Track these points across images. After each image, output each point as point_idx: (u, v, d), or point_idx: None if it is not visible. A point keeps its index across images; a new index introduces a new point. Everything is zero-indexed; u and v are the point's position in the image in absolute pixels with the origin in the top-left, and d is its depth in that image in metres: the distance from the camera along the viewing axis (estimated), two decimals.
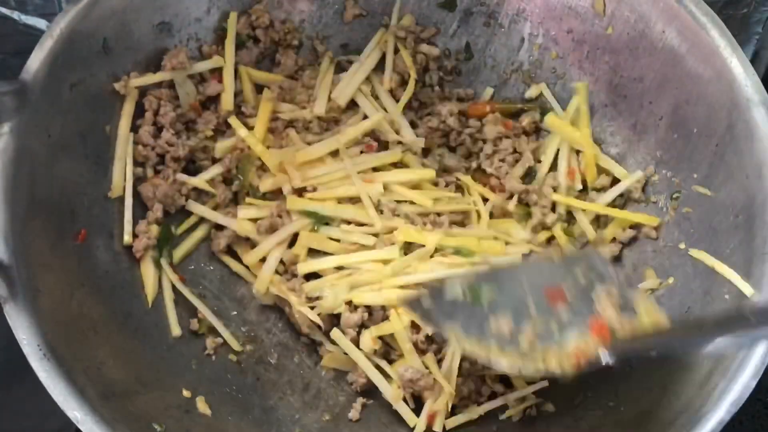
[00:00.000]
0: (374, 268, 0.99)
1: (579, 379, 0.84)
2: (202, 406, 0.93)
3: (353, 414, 0.99)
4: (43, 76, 0.89)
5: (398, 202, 1.04)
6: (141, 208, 1.02)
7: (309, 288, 1.00)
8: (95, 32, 0.95)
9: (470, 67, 1.17)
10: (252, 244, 1.05)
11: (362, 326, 0.99)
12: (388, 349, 1.00)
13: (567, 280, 0.84)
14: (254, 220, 1.04)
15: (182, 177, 1.04)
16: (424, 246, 0.99)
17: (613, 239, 1.05)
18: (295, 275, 1.02)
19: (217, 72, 1.08)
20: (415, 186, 1.06)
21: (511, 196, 1.08)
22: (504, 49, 1.15)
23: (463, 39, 1.16)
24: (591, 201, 1.07)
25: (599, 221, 1.08)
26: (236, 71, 1.09)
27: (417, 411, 0.98)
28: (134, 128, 1.02)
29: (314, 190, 1.04)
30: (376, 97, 1.12)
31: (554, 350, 0.79)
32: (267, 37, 1.12)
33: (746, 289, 0.86)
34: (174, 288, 1.01)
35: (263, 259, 1.04)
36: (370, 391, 1.00)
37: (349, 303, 0.99)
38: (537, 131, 1.15)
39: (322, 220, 1.03)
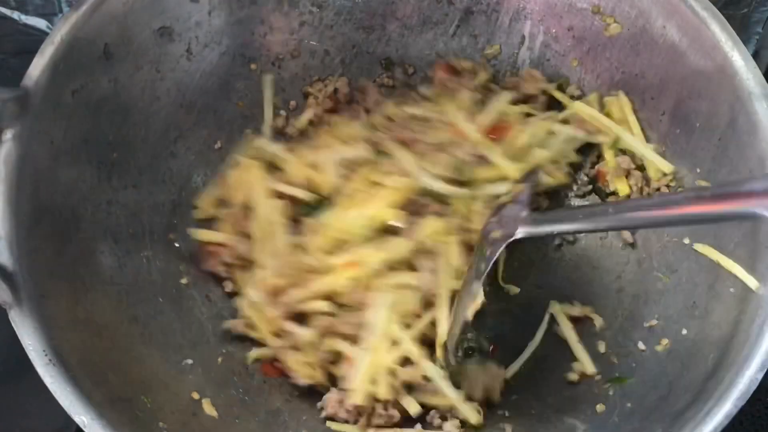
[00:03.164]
0: None
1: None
2: (208, 408, 0.93)
3: None
4: (45, 82, 0.89)
5: None
6: None
7: None
8: (96, 38, 0.95)
9: None
10: None
11: None
12: None
13: None
14: None
15: None
16: None
17: None
18: None
19: None
20: None
21: None
22: (505, 48, 1.15)
23: (464, 38, 1.16)
24: None
25: None
26: None
27: None
28: None
29: None
30: None
31: None
32: None
33: (751, 282, 0.86)
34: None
35: None
36: None
37: None
38: None
39: None
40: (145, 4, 1.00)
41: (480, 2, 1.13)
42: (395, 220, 1.01)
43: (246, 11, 1.11)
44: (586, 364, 1.00)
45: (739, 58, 0.92)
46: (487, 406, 0.99)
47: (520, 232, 0.90)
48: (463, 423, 0.97)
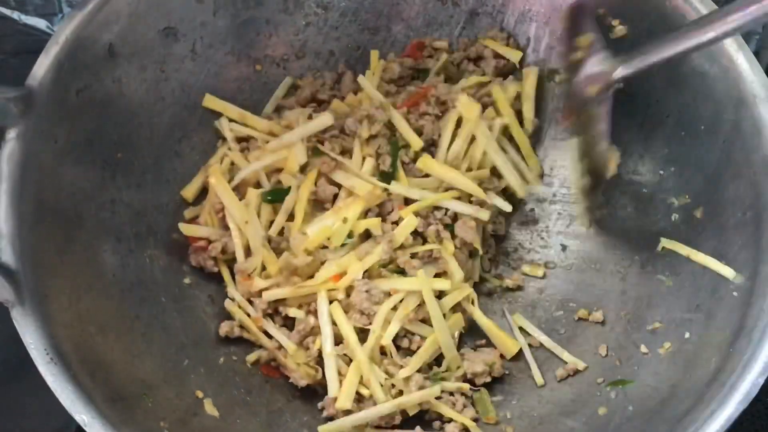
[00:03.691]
0: None
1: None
2: (209, 408, 0.93)
3: None
4: (49, 82, 0.90)
5: None
6: None
7: None
8: (101, 38, 0.96)
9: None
10: None
11: None
12: None
13: None
14: None
15: None
16: None
17: None
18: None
19: None
20: None
21: None
22: None
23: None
24: None
25: None
26: None
27: None
28: None
29: None
30: None
31: None
32: None
33: (728, 272, 0.89)
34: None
35: None
36: None
37: None
38: None
39: None
40: (150, 4, 1.00)
41: (485, 4, 1.13)
42: (373, 228, 1.01)
43: (251, 12, 1.11)
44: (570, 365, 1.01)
45: (744, 61, 0.91)
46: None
47: (620, 72, 0.91)
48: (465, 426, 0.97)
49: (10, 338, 0.79)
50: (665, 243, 0.99)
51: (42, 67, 0.90)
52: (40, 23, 1.16)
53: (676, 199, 1.01)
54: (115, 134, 1.00)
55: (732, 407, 0.78)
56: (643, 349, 0.95)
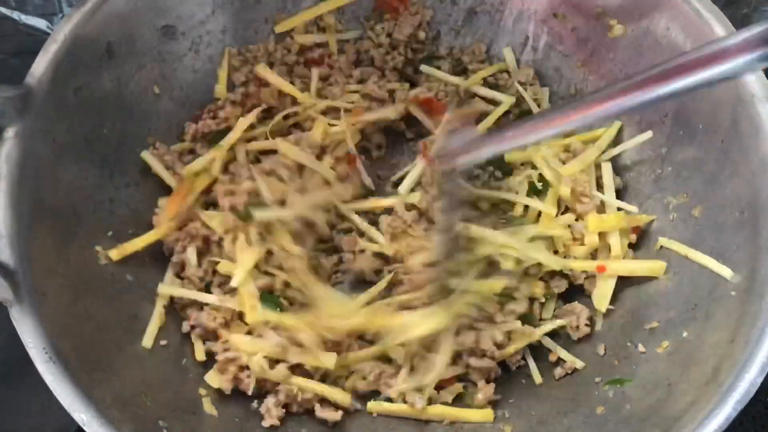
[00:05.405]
0: None
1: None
2: (208, 407, 0.93)
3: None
4: (48, 80, 0.90)
5: None
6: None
7: None
8: (99, 36, 0.96)
9: None
10: None
11: None
12: None
13: None
14: None
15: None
16: None
17: None
18: None
19: None
20: None
21: None
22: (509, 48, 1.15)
23: (468, 38, 1.16)
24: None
25: None
26: None
27: None
28: None
29: None
30: None
31: None
32: None
33: (725, 272, 0.89)
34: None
35: None
36: None
37: None
38: None
39: None
40: (149, 2, 1.00)
41: (484, 2, 1.13)
42: None
43: (250, 10, 1.11)
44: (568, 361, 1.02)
45: None
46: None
47: (462, 161, 0.89)
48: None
49: (9, 338, 0.79)
50: (663, 242, 0.99)
51: (41, 65, 0.90)
52: (40, 23, 1.16)
53: (674, 198, 1.01)
54: (113, 133, 1.00)
55: (730, 407, 0.78)
56: (641, 348, 0.95)
